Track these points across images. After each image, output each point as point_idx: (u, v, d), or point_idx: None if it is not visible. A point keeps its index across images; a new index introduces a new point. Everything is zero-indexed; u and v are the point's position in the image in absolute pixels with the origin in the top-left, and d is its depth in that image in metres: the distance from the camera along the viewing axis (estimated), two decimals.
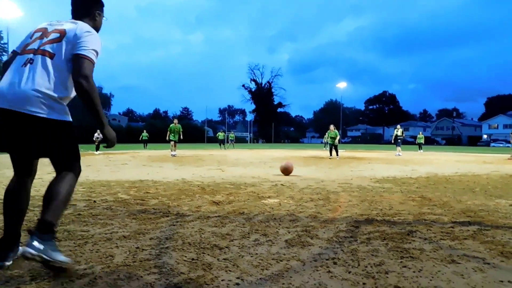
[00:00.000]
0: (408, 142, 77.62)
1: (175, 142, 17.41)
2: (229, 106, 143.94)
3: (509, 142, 23.68)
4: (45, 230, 2.01)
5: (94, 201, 4.63)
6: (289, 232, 3.17)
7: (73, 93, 2.28)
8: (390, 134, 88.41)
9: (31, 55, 2.19)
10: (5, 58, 41.74)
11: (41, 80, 2.11)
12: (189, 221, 3.56)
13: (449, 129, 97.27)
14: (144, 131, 34.51)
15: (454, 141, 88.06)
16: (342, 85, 70.86)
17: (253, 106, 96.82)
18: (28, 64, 2.15)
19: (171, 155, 17.03)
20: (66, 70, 2.19)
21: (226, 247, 2.71)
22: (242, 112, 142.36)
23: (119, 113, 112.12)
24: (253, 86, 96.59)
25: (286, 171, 8.27)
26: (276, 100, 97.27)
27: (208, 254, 2.55)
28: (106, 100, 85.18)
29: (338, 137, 16.91)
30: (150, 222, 3.49)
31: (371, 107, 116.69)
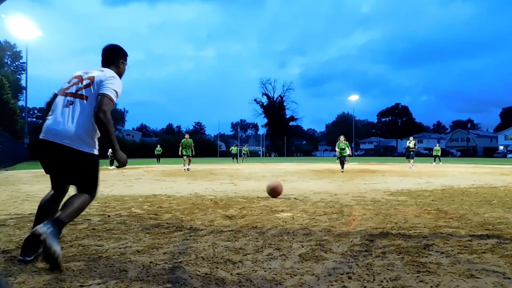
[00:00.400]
0: (422, 154, 76.68)
1: (188, 156, 17.51)
2: (241, 120, 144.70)
3: None
4: (56, 224, 2.48)
5: (108, 216, 4.66)
6: (302, 246, 3.14)
7: (112, 128, 2.78)
8: (403, 146, 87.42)
9: (71, 98, 2.81)
10: (23, 76, 42.75)
11: (79, 120, 2.72)
12: (202, 236, 3.55)
13: (464, 141, 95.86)
14: (158, 146, 34.97)
15: (469, 152, 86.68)
16: (354, 98, 70.71)
17: (265, 120, 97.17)
18: (70, 106, 2.77)
19: (184, 169, 17.12)
20: (92, 109, 2.74)
21: (239, 262, 2.70)
22: (254, 126, 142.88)
23: (133, 129, 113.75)
24: (265, 100, 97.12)
25: (274, 192, 6.67)
26: (288, 114, 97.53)
27: (221, 269, 2.54)
28: (120, 116, 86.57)
29: (348, 149, 16.57)
30: (163, 237, 3.50)
31: (383, 119, 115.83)
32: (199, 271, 2.49)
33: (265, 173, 15.31)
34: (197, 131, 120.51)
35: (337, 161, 20.00)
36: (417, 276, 2.37)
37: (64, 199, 2.82)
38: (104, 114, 2.66)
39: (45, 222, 2.46)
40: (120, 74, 3.12)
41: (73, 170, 2.77)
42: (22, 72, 45.29)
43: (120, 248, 3.07)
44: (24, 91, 42.81)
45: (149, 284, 2.24)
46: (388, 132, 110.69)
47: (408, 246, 3.13)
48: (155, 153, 33.74)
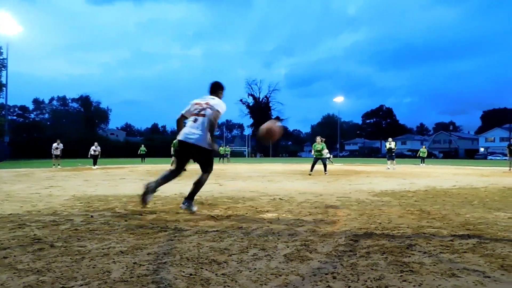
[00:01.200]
0: (406, 155, 77.81)
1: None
2: (227, 120, 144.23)
3: (506, 155, 23.70)
4: (189, 198, 4.81)
5: (92, 216, 4.60)
6: (288, 247, 3.15)
7: (214, 133, 4.76)
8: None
9: (196, 117, 4.74)
10: (3, 73, 41.87)
11: (201, 130, 4.63)
12: (187, 236, 3.53)
13: (446, 142, 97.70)
14: (142, 145, 34.61)
15: (451, 154, 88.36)
16: (339, 99, 71.31)
17: (251, 121, 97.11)
18: (196, 122, 4.69)
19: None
20: (211, 120, 4.65)
21: (225, 262, 2.69)
22: (240, 127, 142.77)
23: (117, 128, 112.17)
24: (250, 100, 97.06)
25: (270, 133, 5.02)
26: (274, 114, 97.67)
27: (206, 269, 2.53)
28: (104, 115, 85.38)
29: (325, 150, 15.34)
30: (148, 237, 3.47)
31: (368, 121, 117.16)
32: (183, 271, 2.47)
33: (250, 173, 15.31)
34: None
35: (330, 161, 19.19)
36: (400, 276, 2.41)
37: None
38: (215, 120, 4.71)
39: (184, 200, 4.95)
40: (220, 99, 5.05)
41: (199, 158, 4.79)
42: (3, 68, 44.17)
43: (103, 249, 3.03)
44: (4, 88, 41.77)
45: (133, 285, 2.21)
46: (372, 134, 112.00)
47: (391, 246, 3.17)
48: (139, 152, 33.34)
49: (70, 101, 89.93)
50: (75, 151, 42.88)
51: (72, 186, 8.78)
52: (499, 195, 7.18)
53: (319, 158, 15.01)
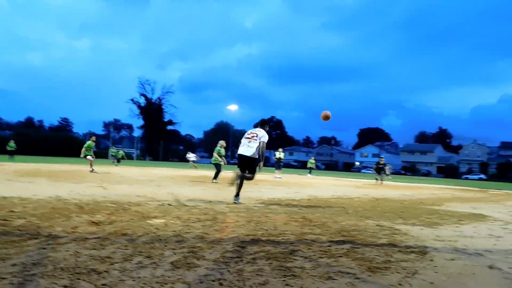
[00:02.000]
0: (292, 166, 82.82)
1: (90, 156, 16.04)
2: (115, 119, 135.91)
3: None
4: (236, 194, 7.18)
5: None
6: (175, 254, 3.07)
7: (259, 152, 7.07)
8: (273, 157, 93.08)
9: (249, 140, 7.18)
10: None
11: (253, 148, 7.05)
12: (63, 244, 3.20)
13: (328, 155, 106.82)
14: (12, 141, 30.46)
15: (332, 166, 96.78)
16: (233, 107, 72.79)
17: (141, 122, 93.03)
18: (249, 143, 7.14)
19: (91, 170, 15.57)
20: (257, 145, 7.02)
21: (106, 271, 2.50)
22: (129, 127, 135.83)
23: None
24: (142, 101, 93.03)
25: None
26: (167, 117, 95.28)
27: (84, 280, 2.31)
28: None
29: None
30: (13, 246, 3.04)
31: None
32: (56, 283, 2.23)
33: (138, 177, 14.63)
34: (63, 128, 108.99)
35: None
36: (283, 280, 2.52)
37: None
38: (263, 148, 7.03)
39: (234, 197, 7.17)
40: (265, 131, 7.34)
41: (250, 165, 7.09)
42: None
43: None
44: None
45: None
46: None
47: (276, 252, 3.31)
48: (7, 148, 29.23)
49: None
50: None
51: None
52: (369, 205, 8.07)
53: (217, 164, 13.72)
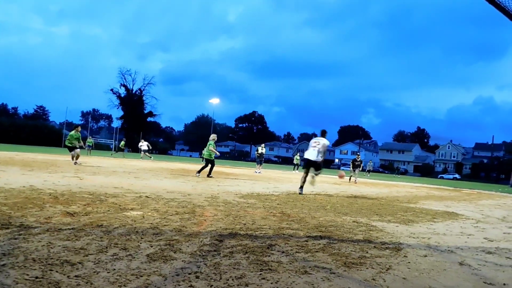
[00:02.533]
0: (273, 161, 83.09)
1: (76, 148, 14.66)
2: (94, 109, 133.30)
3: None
4: (301, 187, 9.48)
5: None
6: (151, 246, 3.04)
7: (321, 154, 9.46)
8: (255, 152, 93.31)
9: (314, 147, 9.40)
10: None
11: (316, 153, 9.31)
12: (36, 234, 3.12)
13: (300, 151, 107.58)
14: None
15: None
16: (215, 101, 72.39)
17: (121, 113, 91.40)
18: (313, 149, 9.37)
19: (74, 163, 14.21)
20: (322, 150, 9.36)
21: (79, 263, 2.46)
22: (108, 118, 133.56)
23: None
24: (122, 91, 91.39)
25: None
26: (147, 109, 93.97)
27: (57, 271, 2.27)
28: None
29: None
30: None
31: (241, 125, 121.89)
32: (27, 274, 2.17)
33: (116, 168, 14.41)
34: (39, 116, 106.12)
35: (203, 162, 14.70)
36: (260, 274, 2.53)
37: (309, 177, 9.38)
38: (324, 151, 9.45)
39: (300, 189, 9.39)
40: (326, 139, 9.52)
41: (315, 165, 9.38)
42: None
43: None
44: None
45: None
46: (244, 138, 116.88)
47: (254, 246, 3.32)
48: None
49: None
50: None
51: None
52: (347, 202, 8.18)
53: (209, 159, 13.37)
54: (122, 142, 32.46)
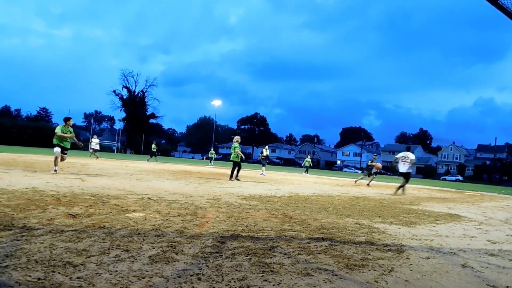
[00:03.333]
0: (275, 163, 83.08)
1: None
2: (96, 111, 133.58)
3: (359, 169, 26.11)
4: (406, 179, 12.50)
5: None
6: (153, 248, 3.04)
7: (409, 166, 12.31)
8: (259, 153, 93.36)
9: (404, 162, 12.15)
10: None
11: (407, 166, 12.11)
12: (38, 236, 3.13)
13: (310, 153, 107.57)
14: None
15: (314, 164, 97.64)
16: (217, 102, 72.48)
17: (123, 114, 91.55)
18: (404, 164, 12.12)
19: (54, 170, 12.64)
20: (410, 164, 12.10)
21: (81, 265, 2.46)
22: (111, 119, 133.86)
23: None
24: (125, 93, 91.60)
25: None
26: (149, 111, 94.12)
27: (59, 273, 2.27)
28: None
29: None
30: None
31: (243, 126, 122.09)
32: (30, 275, 2.18)
33: (118, 170, 14.43)
34: (42, 118, 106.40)
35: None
36: (262, 276, 2.53)
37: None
38: (411, 164, 12.12)
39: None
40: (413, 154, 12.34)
41: (405, 175, 12.15)
42: None
43: None
44: None
45: None
46: (246, 139, 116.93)
47: (256, 247, 3.32)
48: None
49: None
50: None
51: None
52: (349, 203, 8.16)
53: (236, 161, 13.53)
54: (153, 145, 32.44)
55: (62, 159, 10.88)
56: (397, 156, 12.77)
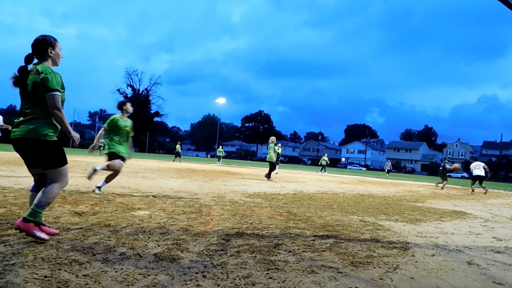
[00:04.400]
0: (281, 161, 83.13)
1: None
2: (101, 110, 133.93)
3: (363, 166, 26.06)
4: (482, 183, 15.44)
5: None
6: (158, 246, 3.06)
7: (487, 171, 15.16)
8: (263, 151, 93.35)
9: (479, 169, 14.69)
10: None
11: (484, 171, 14.79)
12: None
13: (314, 151, 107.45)
14: None
15: (318, 161, 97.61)
16: (221, 100, 72.51)
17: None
18: (479, 169, 14.77)
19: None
20: (487, 169, 15.20)
21: (87, 262, 2.48)
22: None
23: None
24: (129, 91, 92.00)
25: None
26: (154, 109, 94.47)
27: (65, 270, 2.29)
28: None
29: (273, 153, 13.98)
30: None
31: (247, 124, 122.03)
32: (37, 273, 2.20)
33: (123, 168, 14.45)
34: None
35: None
36: (267, 273, 2.53)
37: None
38: (487, 169, 15.00)
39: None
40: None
41: (481, 180, 14.83)
42: None
43: None
44: None
45: None
46: (250, 137, 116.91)
47: (260, 245, 3.32)
48: None
49: None
50: None
51: None
52: (354, 201, 8.15)
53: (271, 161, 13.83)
54: (178, 146, 32.62)
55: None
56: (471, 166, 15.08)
